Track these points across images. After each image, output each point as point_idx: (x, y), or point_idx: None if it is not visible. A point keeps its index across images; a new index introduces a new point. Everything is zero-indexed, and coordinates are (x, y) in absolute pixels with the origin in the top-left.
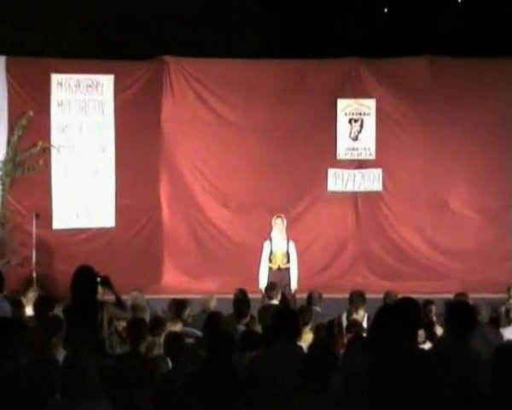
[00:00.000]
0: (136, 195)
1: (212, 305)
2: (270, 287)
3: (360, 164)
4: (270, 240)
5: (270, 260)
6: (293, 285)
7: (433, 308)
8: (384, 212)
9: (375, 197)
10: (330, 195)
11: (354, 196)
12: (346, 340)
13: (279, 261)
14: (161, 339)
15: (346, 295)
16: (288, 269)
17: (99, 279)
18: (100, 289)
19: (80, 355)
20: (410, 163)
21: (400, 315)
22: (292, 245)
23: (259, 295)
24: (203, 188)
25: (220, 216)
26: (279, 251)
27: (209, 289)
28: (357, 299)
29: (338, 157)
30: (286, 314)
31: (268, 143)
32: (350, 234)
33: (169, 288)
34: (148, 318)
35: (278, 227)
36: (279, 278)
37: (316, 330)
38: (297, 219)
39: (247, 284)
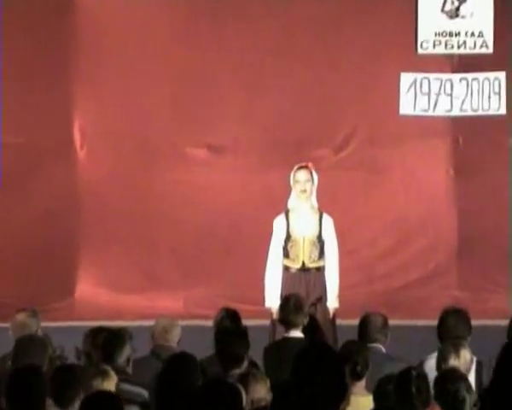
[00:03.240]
0: (29, 128)
1: (174, 338)
2: (289, 305)
3: (464, 64)
4: (287, 215)
5: (287, 254)
6: (332, 301)
7: None
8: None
9: (492, 127)
10: (405, 123)
11: (452, 126)
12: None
13: (304, 256)
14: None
15: (434, 322)
16: (320, 270)
17: None
18: None
19: None
20: None
21: None
22: (329, 223)
23: (266, 322)
24: (156, 116)
25: (189, 169)
26: (304, 235)
27: (166, 308)
28: (456, 327)
29: (420, 51)
30: (318, 358)
31: (283, 29)
32: (443, 201)
33: (88, 307)
34: (45, 364)
35: (302, 189)
36: (304, 287)
37: (378, 390)
38: (339, 173)
39: (240, 299)
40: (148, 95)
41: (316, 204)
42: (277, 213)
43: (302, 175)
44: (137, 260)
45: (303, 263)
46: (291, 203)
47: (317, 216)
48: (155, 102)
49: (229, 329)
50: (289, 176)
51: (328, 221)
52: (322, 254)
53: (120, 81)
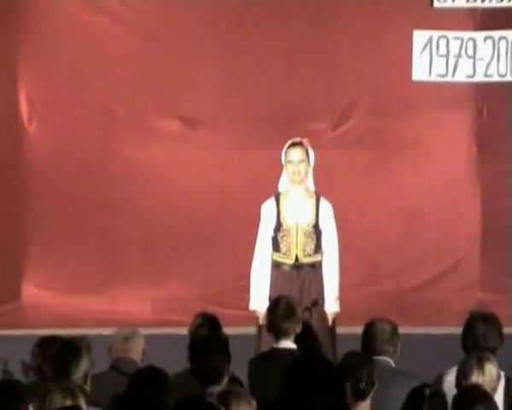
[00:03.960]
0: None
1: (137, 348)
2: (279, 309)
3: (489, 20)
4: (278, 199)
5: (278, 247)
6: (331, 305)
7: None
8: None
9: None
10: (419, 91)
11: (475, 94)
12: None
13: (297, 249)
14: None
15: (455, 331)
16: (317, 267)
17: None
18: None
19: None
20: None
21: None
22: (327, 210)
23: (251, 329)
24: (119, 83)
25: (159, 146)
26: (297, 224)
27: (131, 313)
28: (485, 336)
29: (437, 4)
30: (313, 373)
31: None
32: (463, 184)
33: (37, 312)
34: None
35: (295, 170)
36: (297, 287)
37: None
38: (339, 151)
39: (221, 302)
40: (108, 58)
41: (312, 187)
42: (266, 198)
43: (296, 153)
44: (96, 255)
45: (296, 257)
46: (282, 186)
47: (313, 201)
48: (117, 67)
49: (207, 338)
50: (280, 154)
51: (326, 208)
52: (318, 247)
53: (76, 43)
